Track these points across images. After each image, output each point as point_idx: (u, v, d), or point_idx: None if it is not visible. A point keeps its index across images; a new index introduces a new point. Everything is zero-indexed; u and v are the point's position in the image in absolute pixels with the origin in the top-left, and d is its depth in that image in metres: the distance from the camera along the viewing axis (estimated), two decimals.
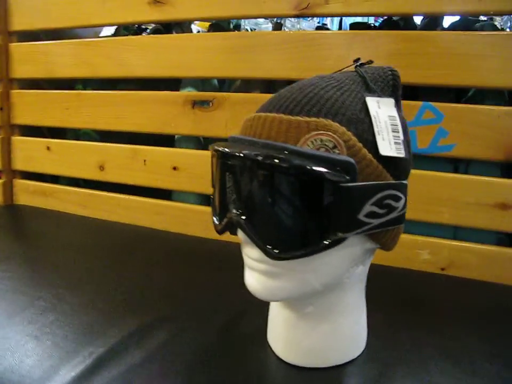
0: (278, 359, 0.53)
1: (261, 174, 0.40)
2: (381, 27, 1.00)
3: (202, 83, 0.97)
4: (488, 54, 0.72)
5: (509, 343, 0.59)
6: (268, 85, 0.94)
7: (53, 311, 0.62)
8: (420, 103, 0.77)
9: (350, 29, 1.08)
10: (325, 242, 0.39)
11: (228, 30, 1.09)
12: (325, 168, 0.37)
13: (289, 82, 0.49)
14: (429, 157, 0.79)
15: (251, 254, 0.43)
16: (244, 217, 0.42)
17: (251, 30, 1.26)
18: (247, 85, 0.95)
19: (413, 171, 0.48)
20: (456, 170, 0.84)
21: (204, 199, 0.96)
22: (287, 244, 0.41)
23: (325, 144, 0.39)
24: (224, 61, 0.84)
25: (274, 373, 0.53)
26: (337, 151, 0.39)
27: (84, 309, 0.63)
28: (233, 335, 0.59)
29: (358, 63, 0.47)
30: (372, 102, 0.43)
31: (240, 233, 0.43)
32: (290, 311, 0.51)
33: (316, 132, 0.39)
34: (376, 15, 0.89)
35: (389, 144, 0.41)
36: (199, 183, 0.89)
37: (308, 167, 0.37)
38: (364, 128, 0.41)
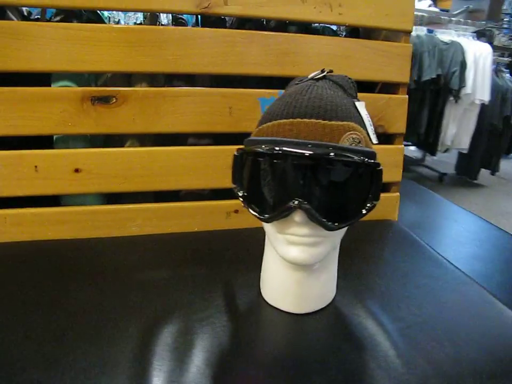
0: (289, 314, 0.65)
1: (330, 168, 0.52)
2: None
3: (79, 76, 0.91)
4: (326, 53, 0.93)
5: None
6: (152, 79, 0.96)
7: None
8: None
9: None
10: (364, 210, 0.54)
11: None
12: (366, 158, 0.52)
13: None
14: None
15: (300, 232, 0.54)
16: (307, 203, 0.51)
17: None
18: (128, 78, 0.95)
19: None
20: None
21: (109, 198, 0.93)
22: (341, 216, 0.54)
23: (355, 141, 0.53)
24: (123, 55, 0.82)
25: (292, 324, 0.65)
26: (362, 145, 0.54)
27: None
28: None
29: (325, 72, 0.60)
30: (359, 105, 0.59)
31: (299, 216, 0.52)
32: (302, 271, 0.62)
33: (349, 132, 0.53)
34: (271, 19, 1.01)
35: (374, 135, 0.58)
36: (108, 183, 0.86)
37: (364, 160, 0.51)
38: (363, 126, 0.57)
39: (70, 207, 0.88)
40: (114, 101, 0.83)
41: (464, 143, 3.01)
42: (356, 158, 0.50)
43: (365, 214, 0.54)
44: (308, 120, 0.52)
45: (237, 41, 0.87)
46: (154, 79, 0.95)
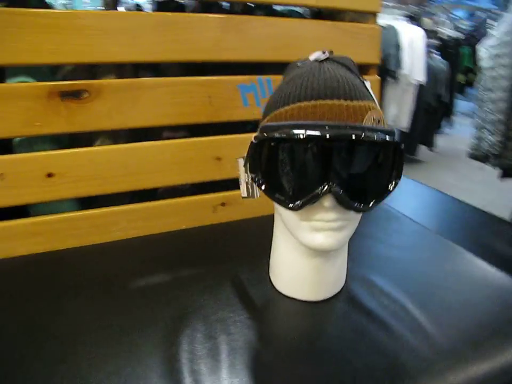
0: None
1: (361, 149, 0.51)
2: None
3: (37, 71, 0.83)
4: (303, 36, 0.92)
5: None
6: (120, 70, 0.89)
7: None
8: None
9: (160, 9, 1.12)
10: (390, 189, 0.53)
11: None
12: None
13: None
14: None
15: (328, 217, 0.53)
16: (338, 186, 0.50)
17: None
18: (92, 70, 0.87)
19: None
20: None
21: (82, 203, 0.85)
22: (369, 197, 0.53)
23: (376, 120, 0.52)
24: (91, 45, 0.75)
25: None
26: (381, 124, 0.53)
27: None
28: None
29: (327, 54, 0.58)
30: (367, 85, 0.57)
31: (328, 201, 0.51)
32: (320, 257, 0.61)
33: (370, 112, 0.51)
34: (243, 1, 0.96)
35: None
36: (86, 186, 0.79)
37: (392, 139, 0.50)
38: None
39: (43, 216, 0.79)
40: (87, 95, 0.76)
41: (405, 122, 3.16)
42: (387, 137, 0.49)
43: (390, 192, 0.53)
44: (330, 101, 0.50)
45: (212, 26, 0.82)
46: (122, 71, 0.88)
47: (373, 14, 0.99)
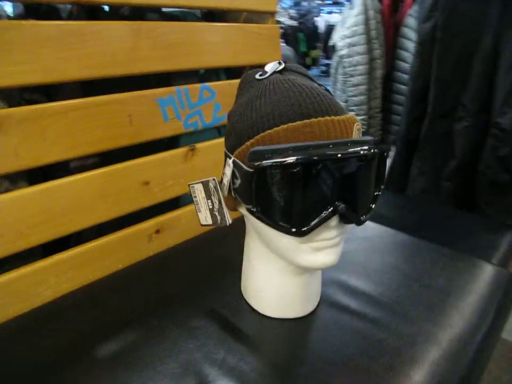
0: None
1: (363, 165, 0.50)
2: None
3: None
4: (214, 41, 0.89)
5: None
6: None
7: None
8: (199, 85, 0.86)
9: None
10: (377, 196, 0.54)
11: None
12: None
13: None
14: (212, 128, 0.91)
15: (330, 235, 0.51)
16: (345, 205, 0.49)
17: None
18: None
19: None
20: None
21: None
22: (368, 208, 0.54)
23: (359, 132, 0.53)
24: None
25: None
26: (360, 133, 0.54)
27: None
28: None
29: (283, 64, 0.57)
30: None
31: (334, 220, 0.50)
32: (308, 273, 0.61)
33: (355, 124, 0.52)
34: (142, 5, 0.84)
35: None
36: None
37: (387, 150, 0.51)
38: None
39: None
40: None
41: None
42: (383, 149, 0.50)
43: (378, 197, 0.55)
44: (322, 118, 0.48)
45: (124, 35, 0.72)
46: (7, 95, 0.71)
47: (271, 14, 1.00)
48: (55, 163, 0.71)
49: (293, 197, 0.48)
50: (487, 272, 0.78)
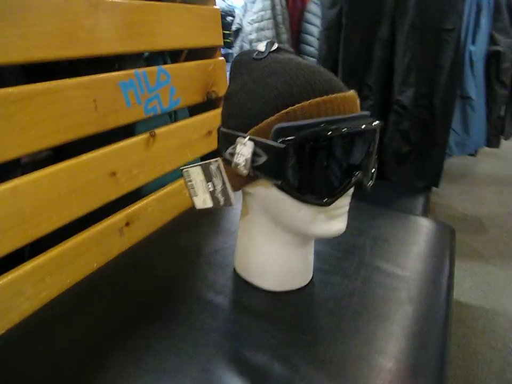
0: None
1: (375, 135, 0.54)
2: None
3: None
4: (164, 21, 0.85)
5: None
6: None
7: None
8: (156, 68, 0.82)
9: None
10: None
11: None
12: None
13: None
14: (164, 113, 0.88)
15: (345, 202, 0.56)
16: (363, 174, 0.53)
17: None
18: None
19: None
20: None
21: None
22: (372, 175, 0.58)
23: None
24: None
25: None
26: None
27: None
28: None
29: (275, 44, 0.59)
30: None
31: (351, 190, 0.54)
32: (307, 244, 0.64)
33: (357, 99, 0.56)
34: None
35: None
36: None
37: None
38: None
39: None
40: None
41: None
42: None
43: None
44: (338, 95, 0.51)
45: (83, 11, 0.65)
46: None
47: None
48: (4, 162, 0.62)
49: (324, 169, 0.51)
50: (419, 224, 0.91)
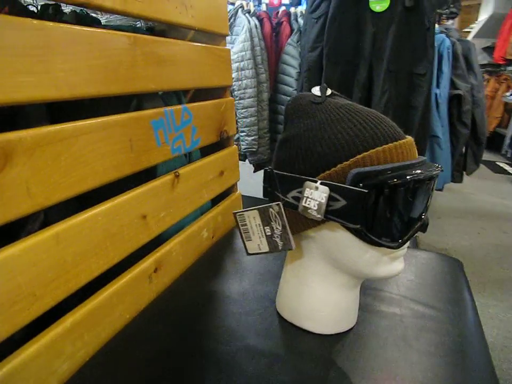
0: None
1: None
2: None
3: None
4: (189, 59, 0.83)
5: None
6: None
7: None
8: (181, 107, 0.79)
9: None
10: None
11: None
12: None
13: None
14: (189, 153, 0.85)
15: (407, 243, 0.56)
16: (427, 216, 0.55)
17: None
18: None
19: None
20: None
21: None
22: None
23: None
24: None
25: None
26: None
27: None
28: None
29: (329, 90, 0.60)
30: None
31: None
32: (358, 286, 0.64)
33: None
34: (131, 16, 0.70)
35: None
36: (8, 315, 0.46)
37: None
38: None
39: None
40: None
41: None
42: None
43: None
44: (404, 141, 0.53)
45: (121, 48, 0.62)
46: None
47: (223, 36, 0.98)
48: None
49: (399, 212, 0.52)
50: (429, 259, 0.93)
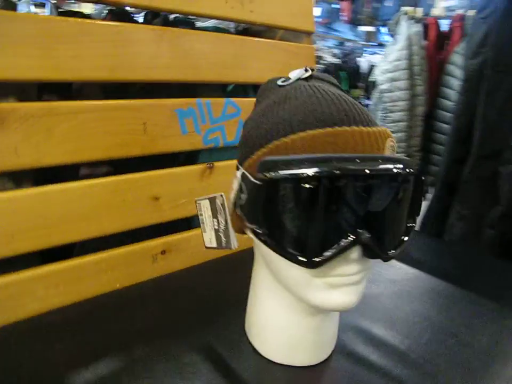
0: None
1: (399, 187, 0.42)
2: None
3: None
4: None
5: None
6: (22, 91, 0.70)
7: None
8: (223, 100, 0.81)
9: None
10: (410, 228, 0.46)
11: None
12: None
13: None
14: (234, 147, 0.85)
15: (351, 270, 0.42)
16: (369, 234, 0.40)
17: None
18: None
19: None
20: None
21: None
22: (399, 241, 0.45)
23: (393, 149, 0.44)
24: None
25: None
26: (395, 151, 0.45)
27: None
28: None
29: (310, 71, 0.50)
30: None
31: (356, 252, 0.41)
32: (321, 315, 0.51)
33: (389, 139, 0.44)
34: (179, 13, 0.82)
35: None
36: None
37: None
38: None
39: None
40: None
41: None
42: (418, 171, 0.41)
43: (409, 233, 0.46)
44: (348, 128, 0.41)
45: (146, 39, 0.68)
46: (23, 93, 0.68)
47: (307, 34, 0.95)
48: (65, 169, 0.67)
49: (306, 218, 0.40)
50: None
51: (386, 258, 0.43)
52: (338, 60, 4.40)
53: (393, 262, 0.84)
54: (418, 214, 0.46)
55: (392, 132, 1.76)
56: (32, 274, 0.62)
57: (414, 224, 0.46)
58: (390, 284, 0.76)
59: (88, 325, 0.61)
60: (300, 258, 0.41)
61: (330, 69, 4.02)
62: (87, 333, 0.59)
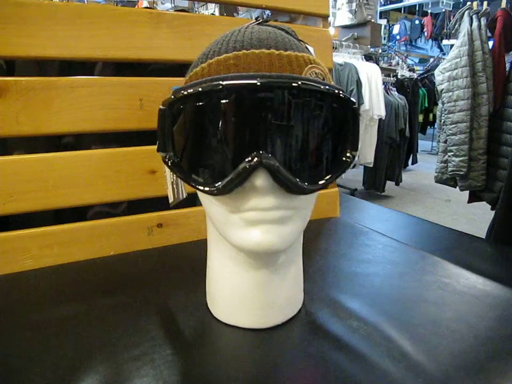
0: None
1: (299, 104, 0.39)
2: None
3: None
4: None
5: None
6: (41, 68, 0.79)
7: None
8: None
9: None
10: (348, 161, 0.42)
11: None
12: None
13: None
14: None
15: (264, 203, 0.40)
16: (272, 156, 0.38)
17: None
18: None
19: None
20: None
21: None
22: (316, 174, 0.42)
23: (319, 76, 0.42)
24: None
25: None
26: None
27: None
28: None
29: (261, 20, 0.50)
30: (311, 50, 0.50)
31: (261, 178, 0.38)
32: (265, 269, 0.48)
33: (311, 65, 0.41)
34: None
35: None
36: None
37: (340, 93, 0.39)
38: None
39: None
40: None
41: (369, 158, 3.15)
42: (337, 91, 0.39)
43: (345, 168, 0.42)
44: (257, 51, 0.40)
45: (143, 21, 0.73)
46: (44, 68, 0.77)
47: (322, 17, 0.93)
48: (79, 143, 0.73)
49: (204, 140, 0.40)
50: None
51: (301, 190, 0.40)
52: (414, 74, 4.25)
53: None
54: (355, 148, 0.42)
55: (452, 134, 1.65)
56: (28, 233, 0.68)
57: (349, 159, 0.42)
58: (390, 266, 0.70)
59: (75, 278, 0.66)
60: (202, 185, 0.40)
61: (408, 84, 3.87)
62: (73, 284, 0.63)
